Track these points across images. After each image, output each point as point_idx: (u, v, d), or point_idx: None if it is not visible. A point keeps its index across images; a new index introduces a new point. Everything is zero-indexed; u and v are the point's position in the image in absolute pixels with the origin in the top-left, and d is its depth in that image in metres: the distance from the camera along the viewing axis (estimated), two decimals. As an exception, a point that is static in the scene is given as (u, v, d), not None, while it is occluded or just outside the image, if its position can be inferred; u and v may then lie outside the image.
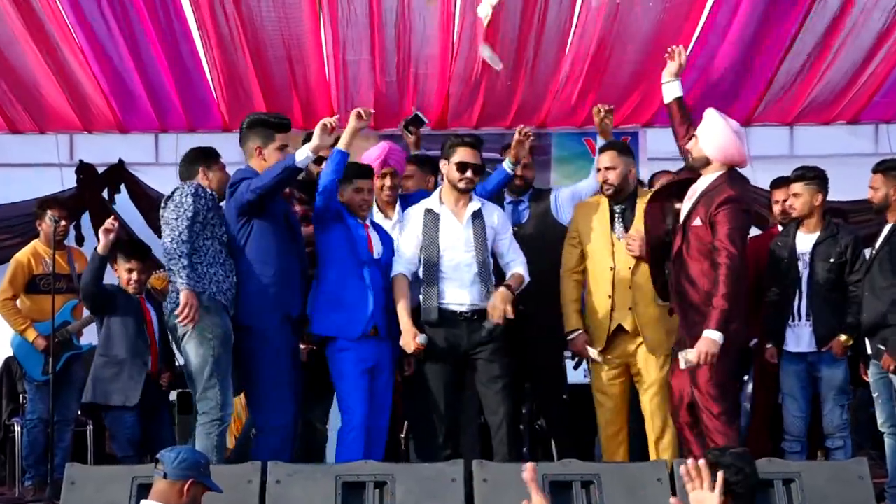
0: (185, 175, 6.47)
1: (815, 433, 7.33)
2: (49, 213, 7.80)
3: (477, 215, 6.51)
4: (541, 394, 7.34)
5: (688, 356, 5.85)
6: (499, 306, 6.29)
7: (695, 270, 6.00)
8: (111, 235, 6.93)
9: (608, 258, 6.56)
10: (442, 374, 6.41)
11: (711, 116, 6.14)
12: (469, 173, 6.49)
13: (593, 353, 6.57)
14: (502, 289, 6.36)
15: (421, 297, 6.43)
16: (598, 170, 6.68)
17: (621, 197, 6.62)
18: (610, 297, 6.52)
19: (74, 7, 8.03)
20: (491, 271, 6.49)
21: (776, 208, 7.61)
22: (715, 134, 6.06)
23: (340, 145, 6.22)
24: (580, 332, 6.61)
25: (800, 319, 7.06)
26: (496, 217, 6.60)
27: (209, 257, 6.15)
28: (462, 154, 6.50)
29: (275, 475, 5.51)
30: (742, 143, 6.14)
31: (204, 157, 6.49)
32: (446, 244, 6.44)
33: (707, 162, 6.07)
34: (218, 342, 6.09)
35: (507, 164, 6.89)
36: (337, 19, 8.15)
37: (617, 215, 6.63)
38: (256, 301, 6.22)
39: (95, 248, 7.02)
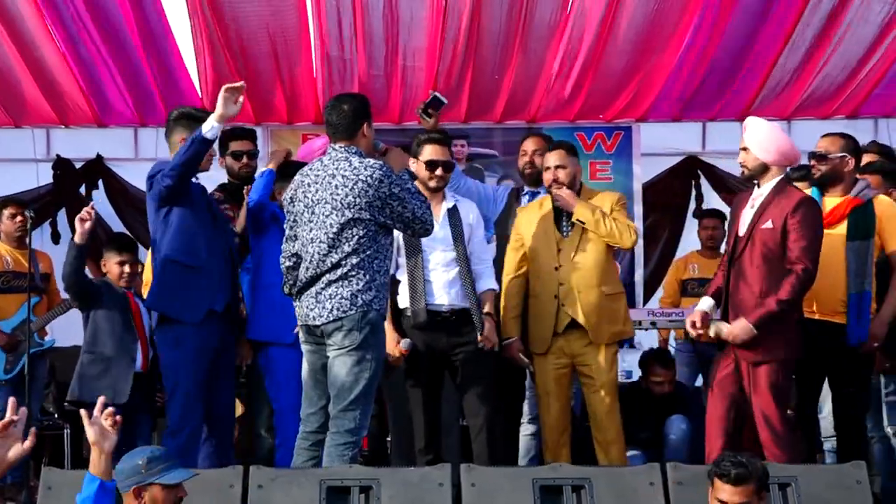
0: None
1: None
2: (6, 210, 7.72)
3: (453, 212, 6.37)
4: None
5: (721, 327, 5.84)
6: (493, 339, 6.26)
7: (753, 273, 5.90)
8: (87, 224, 6.69)
9: (553, 258, 6.46)
10: (421, 376, 6.29)
11: (755, 123, 6.07)
12: (440, 171, 6.32)
13: (526, 361, 6.51)
14: (489, 320, 6.27)
15: (401, 298, 6.29)
16: (547, 168, 6.55)
17: None
18: (556, 297, 6.42)
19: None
20: (470, 269, 6.34)
21: None
22: (766, 138, 5.98)
23: (271, 165, 6.61)
24: (516, 339, 6.50)
25: None
26: (472, 214, 6.48)
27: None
28: (430, 152, 6.33)
29: (257, 479, 5.38)
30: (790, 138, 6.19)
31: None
32: (427, 244, 6.25)
33: (765, 168, 5.98)
34: None
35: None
36: (324, 11, 8.01)
37: (564, 214, 6.48)
38: (178, 295, 6.08)
39: (72, 239, 6.81)
